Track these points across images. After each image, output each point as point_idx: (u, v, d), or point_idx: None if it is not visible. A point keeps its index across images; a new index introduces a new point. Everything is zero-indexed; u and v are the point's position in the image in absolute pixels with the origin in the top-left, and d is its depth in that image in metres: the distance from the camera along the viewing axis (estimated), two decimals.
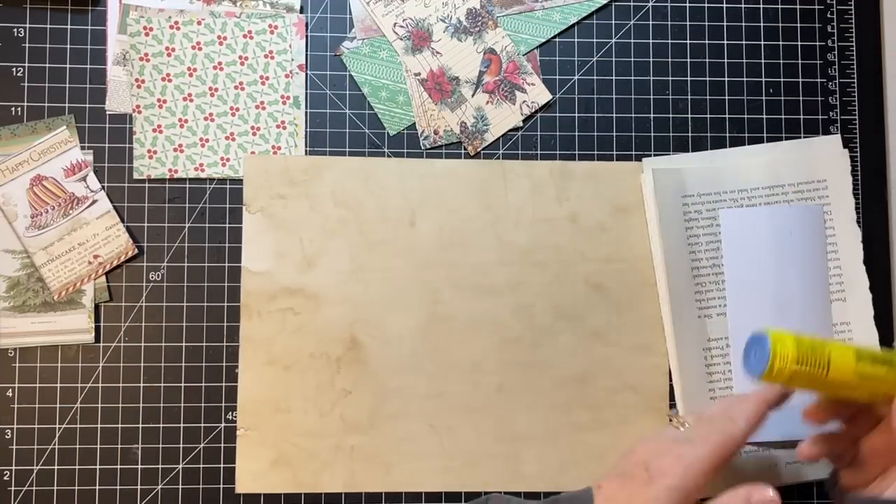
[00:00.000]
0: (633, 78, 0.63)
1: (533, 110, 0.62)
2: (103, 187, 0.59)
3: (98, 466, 0.58)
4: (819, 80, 0.63)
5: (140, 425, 0.59)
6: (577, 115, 0.62)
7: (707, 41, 0.63)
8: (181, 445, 0.59)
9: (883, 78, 0.63)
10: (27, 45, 0.60)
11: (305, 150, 0.61)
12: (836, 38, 0.63)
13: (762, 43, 0.63)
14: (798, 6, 0.63)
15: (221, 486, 0.59)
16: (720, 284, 0.60)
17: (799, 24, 0.63)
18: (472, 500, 0.54)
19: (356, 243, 0.60)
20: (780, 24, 0.63)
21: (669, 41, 0.63)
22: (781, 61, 0.63)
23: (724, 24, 0.63)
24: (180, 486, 0.59)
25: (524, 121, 0.62)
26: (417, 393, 0.59)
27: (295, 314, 0.59)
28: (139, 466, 0.59)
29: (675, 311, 0.60)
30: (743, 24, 0.63)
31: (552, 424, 0.60)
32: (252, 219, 0.60)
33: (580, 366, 0.60)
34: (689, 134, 0.62)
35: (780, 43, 0.63)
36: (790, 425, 0.59)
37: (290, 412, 0.59)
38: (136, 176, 0.60)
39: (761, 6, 0.63)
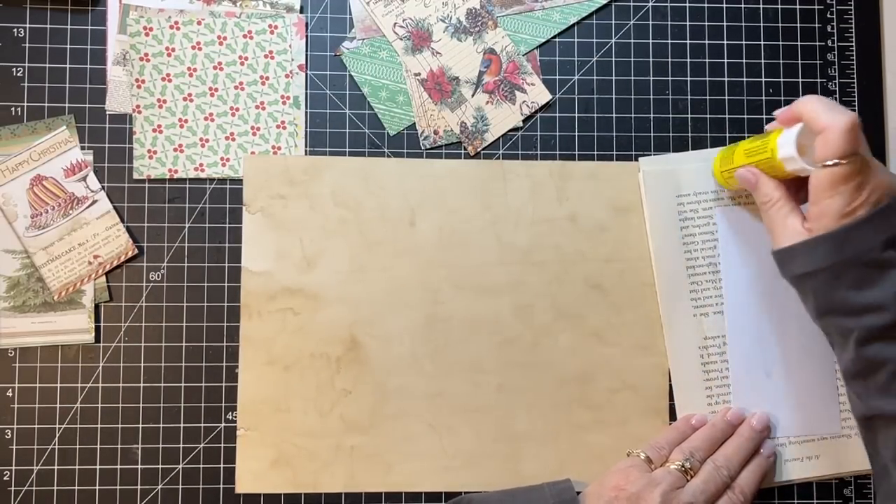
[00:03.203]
0: (632, 78, 0.62)
1: (533, 110, 0.62)
2: (103, 187, 0.59)
3: (98, 466, 0.58)
4: (819, 80, 0.63)
5: (140, 425, 0.59)
6: (576, 115, 0.62)
7: (707, 41, 0.63)
8: (181, 445, 0.59)
9: (883, 78, 0.63)
10: (27, 45, 0.60)
11: (305, 150, 0.61)
12: (836, 38, 0.63)
13: (762, 43, 0.63)
14: (798, 6, 0.63)
15: (221, 486, 0.59)
16: (717, 283, 0.60)
17: (799, 24, 0.63)
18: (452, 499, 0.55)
19: (356, 243, 0.60)
20: (780, 24, 0.63)
21: (669, 41, 0.63)
22: (781, 61, 0.63)
23: (724, 24, 0.63)
24: (180, 486, 0.59)
25: (524, 121, 0.62)
26: (417, 393, 0.59)
27: (295, 314, 0.59)
28: (139, 466, 0.59)
29: (671, 310, 0.60)
30: (743, 24, 0.63)
31: (552, 424, 0.60)
32: (252, 219, 0.60)
33: (580, 366, 0.60)
34: (689, 134, 0.62)
35: (780, 43, 0.63)
36: (791, 425, 0.59)
37: (290, 412, 0.59)
38: (136, 176, 0.60)
39: (761, 6, 0.63)
